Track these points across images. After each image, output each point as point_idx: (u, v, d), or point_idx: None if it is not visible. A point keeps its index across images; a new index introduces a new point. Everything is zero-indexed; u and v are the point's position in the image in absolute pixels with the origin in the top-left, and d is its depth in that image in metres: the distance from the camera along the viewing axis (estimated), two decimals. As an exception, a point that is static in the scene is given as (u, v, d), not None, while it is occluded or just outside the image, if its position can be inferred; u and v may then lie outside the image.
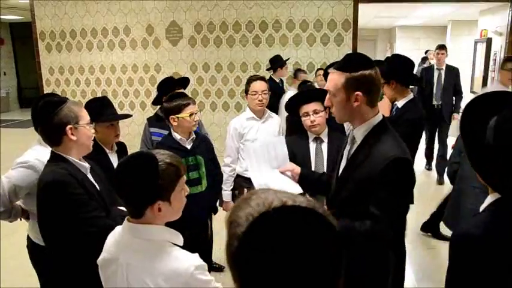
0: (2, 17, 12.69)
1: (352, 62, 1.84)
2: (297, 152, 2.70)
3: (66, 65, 6.81)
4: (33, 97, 13.62)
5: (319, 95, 2.70)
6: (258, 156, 2.34)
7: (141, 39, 6.49)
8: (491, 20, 7.05)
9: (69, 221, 1.88)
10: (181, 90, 3.27)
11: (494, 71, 6.79)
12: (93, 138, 2.13)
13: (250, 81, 3.23)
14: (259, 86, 3.17)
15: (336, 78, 1.83)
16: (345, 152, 2.00)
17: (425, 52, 11.42)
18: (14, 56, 15.79)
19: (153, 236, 1.44)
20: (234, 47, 6.24)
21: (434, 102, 6.52)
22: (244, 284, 0.77)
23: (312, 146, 2.76)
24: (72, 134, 1.97)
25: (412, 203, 1.87)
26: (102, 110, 2.71)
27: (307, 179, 2.28)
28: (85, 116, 2.06)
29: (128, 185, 1.41)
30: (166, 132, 3.21)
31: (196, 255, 1.45)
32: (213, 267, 3.62)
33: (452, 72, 6.55)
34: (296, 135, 2.89)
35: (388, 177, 1.71)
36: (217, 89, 6.42)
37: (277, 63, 5.74)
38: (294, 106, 2.77)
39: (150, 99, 6.64)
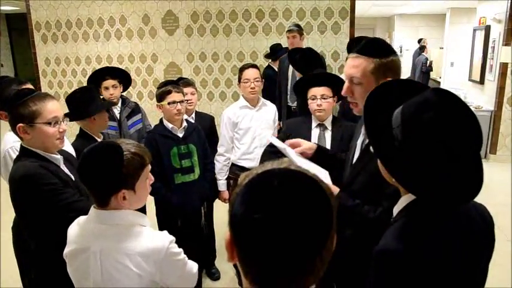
0: (-2, 8, 12.59)
1: (378, 47, 1.70)
2: (298, 135, 2.68)
3: (62, 55, 6.78)
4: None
5: (329, 80, 2.69)
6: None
7: (137, 29, 6.45)
8: (490, 7, 7.01)
9: (51, 211, 1.85)
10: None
11: (492, 58, 6.75)
12: (59, 136, 1.97)
13: (242, 69, 3.21)
14: (251, 73, 3.14)
15: (363, 64, 1.67)
16: (358, 143, 1.87)
17: (419, 41, 11.35)
18: (11, 47, 15.71)
19: (121, 220, 1.47)
20: (230, 36, 6.21)
21: (290, 104, 4.94)
22: (239, 244, 0.77)
23: (315, 132, 2.72)
24: (25, 132, 1.88)
25: None
26: (85, 106, 2.69)
27: (322, 155, 2.12)
28: (46, 114, 1.90)
29: (92, 174, 1.43)
30: (113, 123, 3.27)
31: (165, 231, 1.52)
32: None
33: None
34: (299, 118, 2.86)
35: None
36: (214, 78, 6.39)
37: (279, 52, 5.61)
38: (302, 88, 2.73)
39: (147, 90, 6.63)
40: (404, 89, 1.22)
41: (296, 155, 1.99)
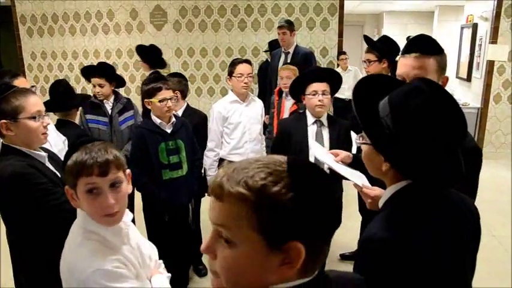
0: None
1: (434, 45, 1.74)
2: (294, 133, 2.67)
3: (48, 50, 6.68)
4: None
5: (329, 75, 2.73)
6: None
7: (124, 23, 6.38)
8: (477, 5, 7.06)
9: (40, 212, 1.79)
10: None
11: (479, 56, 6.81)
12: (44, 130, 1.90)
13: (235, 63, 3.15)
14: (244, 68, 3.11)
15: (427, 63, 1.69)
16: None
17: (407, 38, 11.40)
18: (-4, 41, 15.47)
19: (84, 224, 1.37)
20: (219, 31, 6.17)
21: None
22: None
23: (312, 129, 2.71)
24: (8, 129, 1.81)
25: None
26: (70, 97, 3.00)
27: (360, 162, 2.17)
28: (29, 108, 1.83)
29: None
30: (104, 119, 3.38)
31: (114, 259, 1.32)
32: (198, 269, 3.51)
33: (299, 57, 4.69)
34: (292, 116, 2.84)
35: None
36: (203, 74, 6.36)
37: (277, 46, 5.52)
38: (301, 85, 2.71)
39: (134, 85, 6.57)
40: (384, 83, 1.26)
41: (336, 162, 2.09)
